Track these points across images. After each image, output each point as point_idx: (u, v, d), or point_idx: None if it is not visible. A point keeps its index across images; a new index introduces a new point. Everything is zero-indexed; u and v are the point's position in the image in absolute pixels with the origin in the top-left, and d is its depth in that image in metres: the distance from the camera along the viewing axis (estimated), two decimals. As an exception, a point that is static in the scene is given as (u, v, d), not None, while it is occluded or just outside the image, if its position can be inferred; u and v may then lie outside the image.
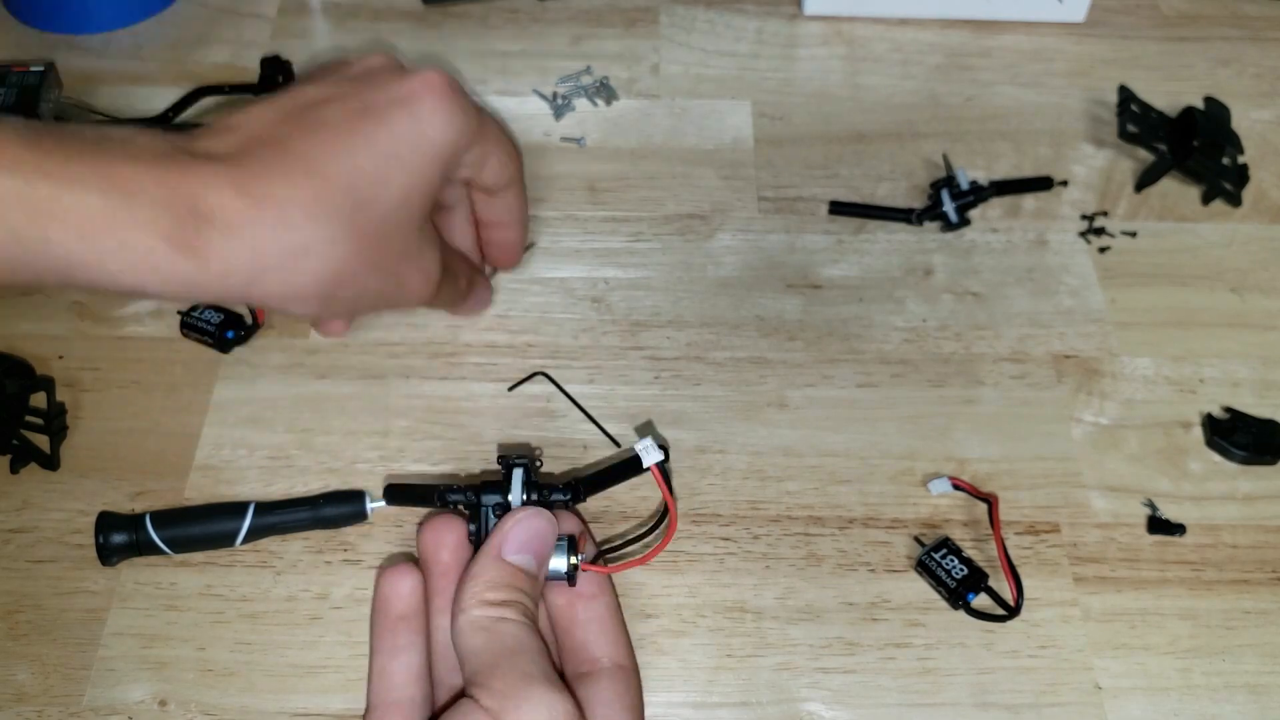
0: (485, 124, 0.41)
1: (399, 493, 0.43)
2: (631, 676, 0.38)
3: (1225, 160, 0.56)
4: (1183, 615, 0.43)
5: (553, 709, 0.34)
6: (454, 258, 0.44)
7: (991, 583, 0.42)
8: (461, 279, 0.44)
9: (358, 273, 0.36)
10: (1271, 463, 0.47)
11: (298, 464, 0.46)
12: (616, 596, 0.40)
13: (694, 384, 0.49)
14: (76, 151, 0.32)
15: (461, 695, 0.35)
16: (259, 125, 0.36)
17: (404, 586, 0.39)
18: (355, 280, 0.36)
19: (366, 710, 0.38)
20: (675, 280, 0.53)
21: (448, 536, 0.39)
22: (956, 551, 0.43)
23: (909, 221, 0.55)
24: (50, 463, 0.46)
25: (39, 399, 0.47)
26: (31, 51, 0.62)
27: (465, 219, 0.46)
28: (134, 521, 0.43)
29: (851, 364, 0.50)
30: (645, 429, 0.47)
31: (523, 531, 0.38)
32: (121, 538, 0.42)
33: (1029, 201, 0.56)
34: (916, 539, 0.45)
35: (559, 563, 0.39)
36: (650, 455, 0.41)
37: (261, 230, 0.34)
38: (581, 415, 0.48)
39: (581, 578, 0.39)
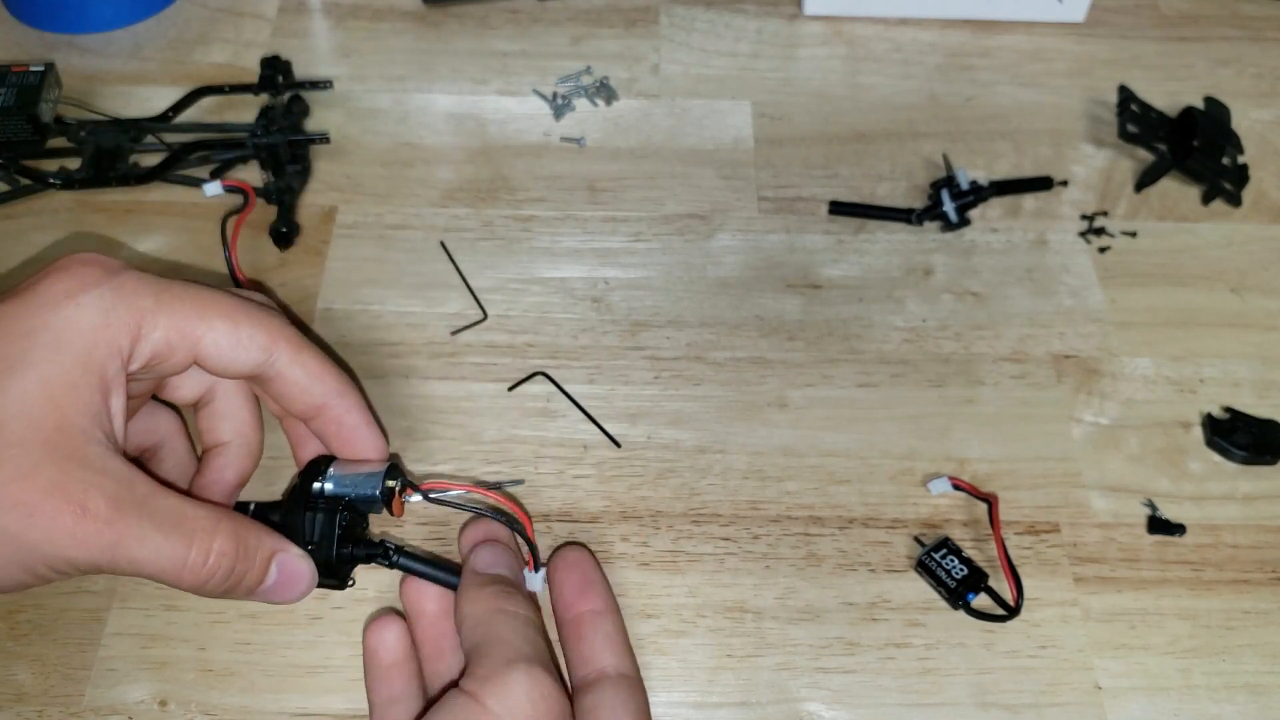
0: (174, 295, 0.34)
1: None
2: (637, 685, 0.38)
3: (1225, 160, 0.56)
4: (1183, 615, 0.43)
5: (531, 687, 0.33)
6: (199, 509, 0.33)
7: (991, 583, 0.42)
8: (214, 537, 0.33)
9: None
10: (1271, 463, 0.47)
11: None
12: (621, 616, 0.40)
13: (694, 384, 0.49)
14: None
15: None
16: None
17: (389, 636, 0.38)
18: None
19: None
20: (675, 280, 0.53)
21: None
22: (956, 551, 0.43)
23: (909, 221, 0.55)
24: (50, 463, 0.46)
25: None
26: (31, 51, 0.62)
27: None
28: None
29: (851, 364, 0.50)
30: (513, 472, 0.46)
31: (493, 556, 0.39)
32: None
33: (1029, 201, 0.56)
34: (916, 539, 0.45)
35: (371, 486, 0.37)
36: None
37: None
38: (581, 415, 0.48)
39: (586, 594, 0.39)
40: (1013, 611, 0.42)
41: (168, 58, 0.62)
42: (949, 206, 0.54)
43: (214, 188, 0.53)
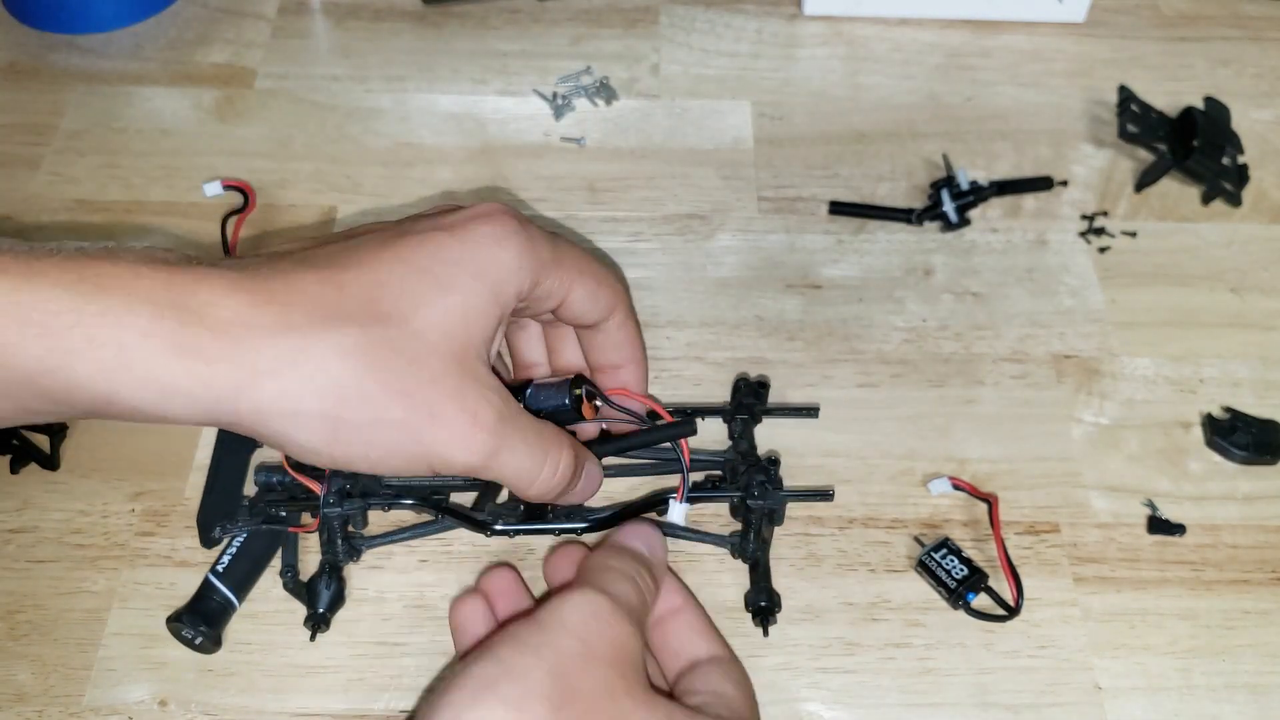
0: (562, 251, 0.37)
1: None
2: (734, 663, 0.39)
3: (1225, 160, 0.56)
4: (1183, 615, 0.43)
5: (586, 606, 0.34)
6: (549, 428, 0.38)
7: (991, 583, 0.42)
8: (561, 452, 0.37)
9: (372, 394, 0.32)
10: (1271, 463, 0.47)
11: (298, 464, 0.46)
12: (702, 607, 0.40)
13: (694, 384, 0.49)
14: (51, 255, 0.30)
15: None
16: (284, 247, 0.35)
17: (475, 612, 0.40)
18: (370, 403, 0.32)
19: None
20: (675, 280, 0.53)
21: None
22: (956, 551, 0.43)
23: (909, 221, 0.55)
24: (50, 463, 0.46)
25: (39, 399, 0.47)
26: (31, 51, 0.62)
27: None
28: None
29: (851, 364, 0.50)
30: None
31: (634, 530, 0.40)
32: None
33: (1029, 201, 0.56)
34: (916, 539, 0.45)
35: (560, 397, 0.39)
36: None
37: (256, 328, 0.31)
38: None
39: (664, 591, 0.40)
40: (1013, 611, 0.42)
41: (168, 58, 0.62)
42: (949, 206, 0.54)
43: (214, 187, 0.54)
